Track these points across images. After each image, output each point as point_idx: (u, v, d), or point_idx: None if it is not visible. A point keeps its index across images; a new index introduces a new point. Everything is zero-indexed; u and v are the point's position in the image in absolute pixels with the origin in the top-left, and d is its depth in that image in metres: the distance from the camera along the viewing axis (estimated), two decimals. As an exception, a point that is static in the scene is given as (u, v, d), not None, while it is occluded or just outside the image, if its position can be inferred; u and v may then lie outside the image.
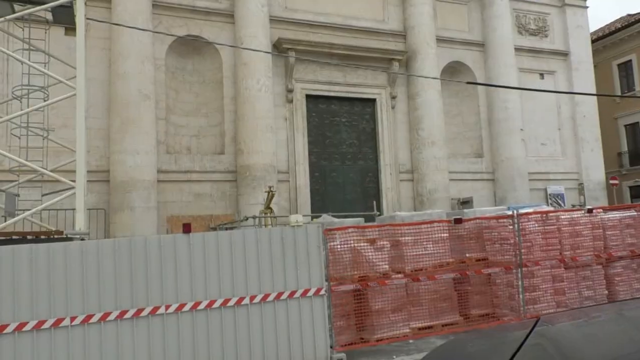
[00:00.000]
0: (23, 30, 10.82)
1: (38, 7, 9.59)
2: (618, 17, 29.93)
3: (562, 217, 9.04)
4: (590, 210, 9.21)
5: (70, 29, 11.75)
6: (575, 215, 9.18)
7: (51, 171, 9.77)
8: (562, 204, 19.41)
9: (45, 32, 11.05)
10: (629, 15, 27.84)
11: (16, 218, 8.93)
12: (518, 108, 19.04)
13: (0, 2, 9.83)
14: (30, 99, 10.68)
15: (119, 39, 13.73)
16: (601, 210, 9.69)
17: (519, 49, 19.74)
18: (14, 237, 7.83)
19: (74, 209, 8.62)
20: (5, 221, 9.32)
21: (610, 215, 9.44)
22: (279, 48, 16.02)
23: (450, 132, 18.76)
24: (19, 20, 10.53)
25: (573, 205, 18.95)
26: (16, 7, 9.97)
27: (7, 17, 9.60)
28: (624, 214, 9.52)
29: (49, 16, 10.94)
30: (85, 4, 9.47)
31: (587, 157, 20.65)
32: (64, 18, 10.76)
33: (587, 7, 21.56)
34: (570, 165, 20.59)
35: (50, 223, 11.14)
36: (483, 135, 19.19)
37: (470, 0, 19.61)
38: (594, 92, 21.11)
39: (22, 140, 10.59)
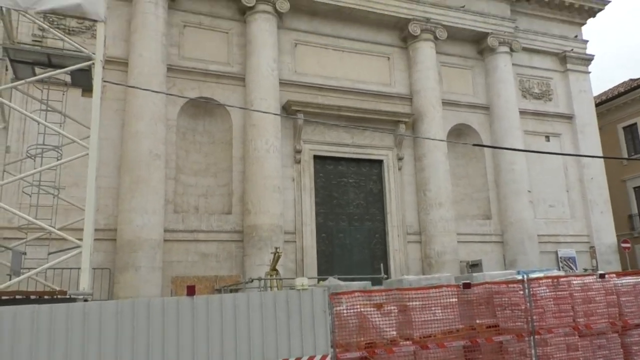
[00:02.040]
0: (42, 91, 11.22)
1: (58, 71, 9.95)
2: (621, 81, 30.58)
3: (574, 282, 8.81)
4: (602, 276, 9.00)
5: (87, 90, 12.15)
6: (588, 281, 8.94)
7: (59, 229, 9.79)
8: (574, 268, 19.04)
9: (63, 94, 11.43)
10: (631, 80, 28.45)
11: (21, 277, 8.87)
12: (525, 170, 19.11)
13: (22, 65, 10.25)
14: (44, 158, 10.91)
15: (134, 100, 14.16)
16: (614, 275, 9.46)
17: (523, 112, 20.08)
18: (17, 296, 7.74)
19: (79, 268, 8.57)
20: (10, 279, 9.26)
21: (624, 281, 9.20)
22: (288, 110, 16.41)
23: (458, 194, 18.77)
24: (39, 82, 10.93)
25: (585, 270, 18.59)
26: (37, 70, 10.39)
27: (28, 79, 9.97)
28: (639, 280, 9.29)
29: (68, 78, 11.35)
30: (103, 67, 9.81)
31: (597, 220, 20.46)
32: (82, 81, 11.13)
33: (589, 72, 22.08)
34: (580, 227, 20.37)
35: (55, 282, 11.05)
36: (491, 196, 19.17)
37: (475, 65, 20.19)
38: (600, 154, 21.23)
39: (32, 198, 10.71)
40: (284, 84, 16.52)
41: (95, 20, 9.71)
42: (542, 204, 19.89)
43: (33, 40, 12.64)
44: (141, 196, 13.45)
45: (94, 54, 9.58)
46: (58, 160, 10.34)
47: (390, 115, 17.91)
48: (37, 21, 9.73)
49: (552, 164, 20.33)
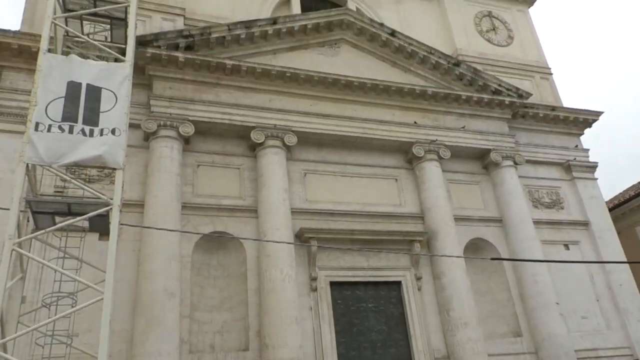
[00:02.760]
0: (60, 239, 11.49)
1: (78, 218, 10.28)
2: (630, 183, 30.77)
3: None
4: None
5: (104, 234, 12.42)
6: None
7: (70, 382, 9.39)
8: (620, 385, 17.54)
9: (81, 240, 11.69)
10: (640, 182, 28.66)
11: None
12: (549, 281, 18.48)
13: (42, 216, 10.63)
14: (59, 306, 10.82)
15: (149, 240, 14.39)
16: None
17: (537, 222, 19.95)
18: None
19: None
20: None
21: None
22: (301, 238, 16.50)
23: (483, 311, 18.02)
24: (58, 230, 11.23)
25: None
26: (57, 218, 10.73)
27: (48, 229, 10.26)
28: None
29: (86, 224, 11.68)
30: (120, 211, 10.13)
31: (635, 329, 19.27)
32: (100, 225, 11.42)
33: (596, 178, 22.33)
34: (619, 339, 19.14)
35: None
36: (517, 311, 18.33)
37: (482, 180, 20.55)
38: (623, 259, 20.65)
39: (45, 349, 10.44)
40: (296, 212, 16.81)
41: (114, 168, 10.27)
42: (574, 316, 18.92)
43: (55, 191, 13.26)
44: (156, 338, 13.05)
45: (111, 199, 9.96)
46: (73, 307, 10.24)
47: (404, 235, 17.90)
48: (59, 174, 10.29)
49: (577, 273, 19.72)
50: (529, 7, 26.82)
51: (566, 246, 20.40)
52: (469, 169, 20.59)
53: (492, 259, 17.23)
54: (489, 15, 25.38)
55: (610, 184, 49.73)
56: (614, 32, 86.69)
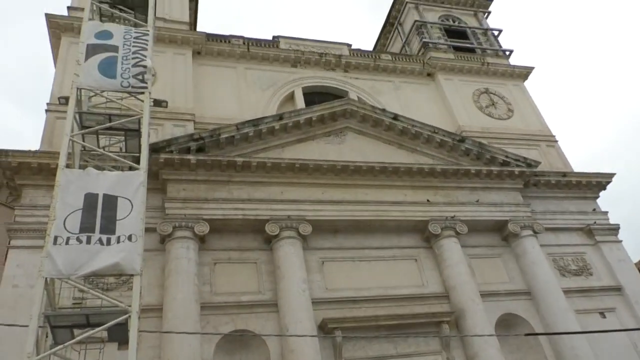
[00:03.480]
0: (79, 353, 11.22)
1: (96, 329, 10.12)
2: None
3: None
4: None
5: (124, 343, 12.15)
6: None
7: None
8: None
9: (100, 352, 11.42)
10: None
11: None
12: (590, 353, 17.39)
13: (61, 330, 10.49)
14: None
15: (169, 345, 14.02)
16: None
17: (567, 291, 19.17)
18: None
19: None
20: None
21: None
22: (324, 329, 15.97)
23: (525, 393, 16.86)
24: (76, 343, 11.01)
25: None
26: (75, 331, 10.57)
27: (67, 343, 10.08)
28: None
29: (105, 334, 11.46)
30: (139, 317, 9.97)
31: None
32: (119, 335, 11.19)
33: (621, 240, 21.75)
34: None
35: None
36: (562, 390, 17.12)
37: (503, 252, 20.12)
38: (666, 324, 19.52)
39: None
40: (316, 302, 16.42)
41: (132, 275, 10.27)
42: (623, 389, 17.61)
43: (73, 303, 13.17)
44: None
45: (129, 306, 9.86)
46: None
47: (430, 316, 17.27)
48: (78, 285, 10.29)
49: (618, 342, 18.58)
50: (524, 81, 27.75)
51: (602, 314, 19.45)
52: (489, 242, 20.25)
53: (527, 334, 16.41)
54: (486, 92, 26.24)
55: (637, 243, 48.35)
56: (622, 88, 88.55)
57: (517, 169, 21.01)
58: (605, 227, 21.82)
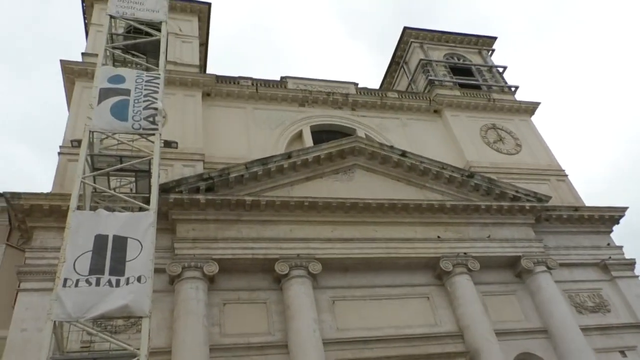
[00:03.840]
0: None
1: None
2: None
3: None
4: None
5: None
6: None
7: None
8: None
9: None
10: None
11: None
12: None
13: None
14: None
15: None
16: None
17: (585, 329, 18.63)
18: None
19: None
20: None
21: None
22: (336, 371, 15.59)
23: None
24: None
25: None
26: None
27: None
28: None
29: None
30: (147, 362, 9.81)
31: None
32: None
33: (637, 276, 21.27)
34: None
35: None
36: None
37: (517, 289, 19.71)
38: (691, 361, 18.82)
39: None
40: (327, 343, 16.05)
41: (140, 317, 10.17)
42: None
43: (82, 347, 13.02)
44: None
45: (138, 349, 9.73)
46: None
47: (444, 357, 16.84)
48: (86, 328, 10.20)
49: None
50: (531, 116, 27.88)
51: (622, 353, 18.81)
52: (502, 278, 19.88)
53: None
54: (494, 127, 26.36)
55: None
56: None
57: (527, 204, 20.83)
58: (620, 262, 21.38)
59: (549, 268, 19.70)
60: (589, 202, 23.63)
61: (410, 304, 18.28)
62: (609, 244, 22.00)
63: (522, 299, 19.45)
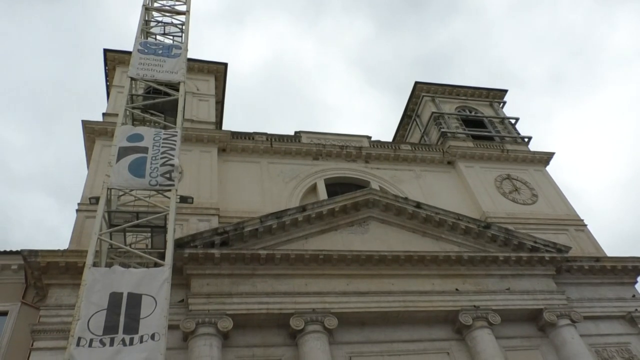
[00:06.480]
0: None
1: None
2: None
3: None
4: None
5: None
6: None
7: None
8: None
9: None
10: None
11: None
12: None
13: None
14: None
15: None
16: None
17: (616, 387, 17.80)
18: None
19: None
20: None
21: None
22: None
23: None
24: None
25: None
26: None
27: None
28: None
29: None
30: None
31: None
32: None
33: (667, 329, 20.41)
34: None
35: None
36: None
37: (541, 343, 18.97)
38: None
39: None
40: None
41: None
42: None
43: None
44: None
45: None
46: None
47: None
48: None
49: None
50: (545, 166, 27.76)
51: (657, 409, 17.80)
52: (525, 332, 19.19)
53: None
54: (509, 177, 26.26)
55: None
56: None
57: (547, 255, 20.39)
58: (649, 314, 20.57)
59: (573, 321, 19.01)
60: (612, 252, 23.06)
61: (430, 359, 17.67)
62: (634, 296, 21.24)
63: (546, 354, 18.69)
